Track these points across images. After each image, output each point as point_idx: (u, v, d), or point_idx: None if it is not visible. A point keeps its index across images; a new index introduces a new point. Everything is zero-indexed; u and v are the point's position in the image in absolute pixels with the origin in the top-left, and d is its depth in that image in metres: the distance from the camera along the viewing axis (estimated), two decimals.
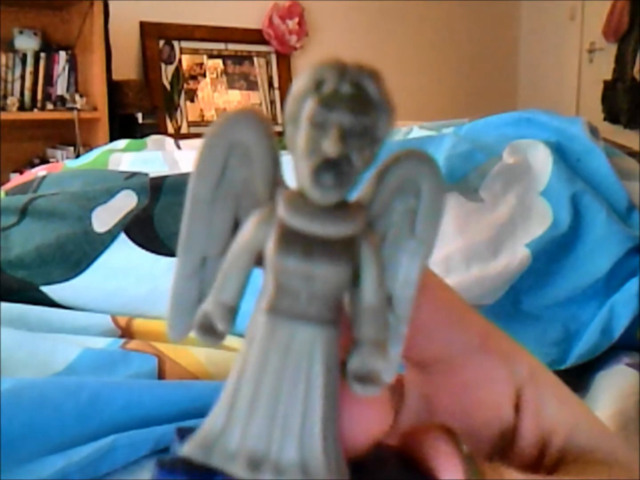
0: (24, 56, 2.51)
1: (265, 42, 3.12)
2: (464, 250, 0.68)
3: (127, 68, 2.81)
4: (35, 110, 2.50)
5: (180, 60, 2.97)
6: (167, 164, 0.95)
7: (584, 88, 3.70)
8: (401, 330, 0.18)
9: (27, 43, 2.52)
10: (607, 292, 0.69)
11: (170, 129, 2.87)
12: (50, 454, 0.43)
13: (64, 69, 2.57)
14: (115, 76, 2.63)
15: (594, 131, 0.84)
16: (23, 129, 2.56)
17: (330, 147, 0.16)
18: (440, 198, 0.18)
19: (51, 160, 2.50)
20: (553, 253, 0.70)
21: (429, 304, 0.20)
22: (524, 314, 0.69)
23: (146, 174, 0.81)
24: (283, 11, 3.12)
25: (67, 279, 0.70)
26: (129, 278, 0.69)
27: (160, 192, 0.75)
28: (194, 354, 0.56)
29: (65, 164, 1.10)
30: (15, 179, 1.06)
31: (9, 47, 2.50)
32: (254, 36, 3.10)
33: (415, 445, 0.19)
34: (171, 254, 0.69)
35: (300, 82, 0.16)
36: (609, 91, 3.45)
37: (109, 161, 0.98)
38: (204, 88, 3.03)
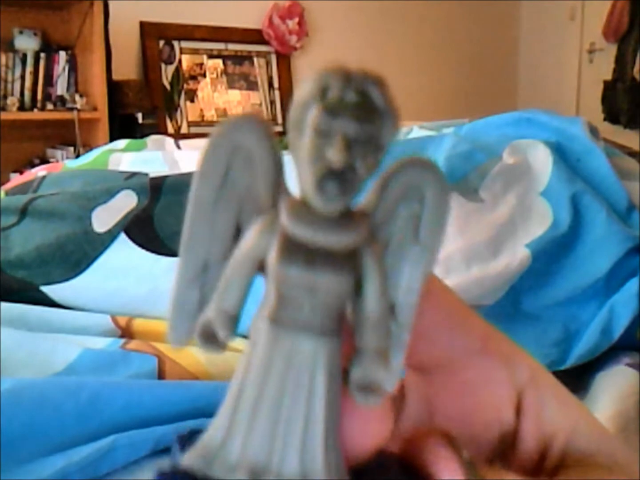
0: (24, 56, 2.51)
1: (265, 42, 3.12)
2: (464, 250, 0.68)
3: (127, 68, 2.81)
4: (35, 110, 2.50)
5: (180, 60, 2.97)
6: (167, 164, 0.95)
7: (584, 88, 3.70)
8: (403, 339, 0.18)
9: (27, 43, 2.52)
10: (607, 292, 0.69)
11: (170, 129, 2.87)
12: (50, 454, 0.43)
13: (64, 69, 2.57)
14: (115, 76, 2.63)
15: (594, 131, 0.84)
16: (23, 129, 2.56)
17: (334, 155, 0.15)
18: (444, 204, 0.18)
19: (51, 160, 2.50)
20: (553, 253, 0.70)
21: (430, 308, 0.20)
22: (524, 314, 0.69)
23: (146, 174, 0.81)
24: (283, 11, 3.12)
25: (67, 279, 0.70)
26: (129, 278, 0.69)
27: (160, 192, 0.75)
28: (194, 354, 0.56)
29: (65, 164, 1.10)
30: (15, 179, 1.06)
31: (9, 47, 2.50)
32: (254, 36, 3.10)
33: (415, 451, 0.19)
34: (171, 254, 0.70)
35: (304, 89, 0.16)
36: (609, 91, 3.45)
37: (109, 161, 0.98)
38: (204, 88, 3.03)
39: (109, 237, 0.71)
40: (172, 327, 0.18)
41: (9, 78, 2.49)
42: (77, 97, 2.52)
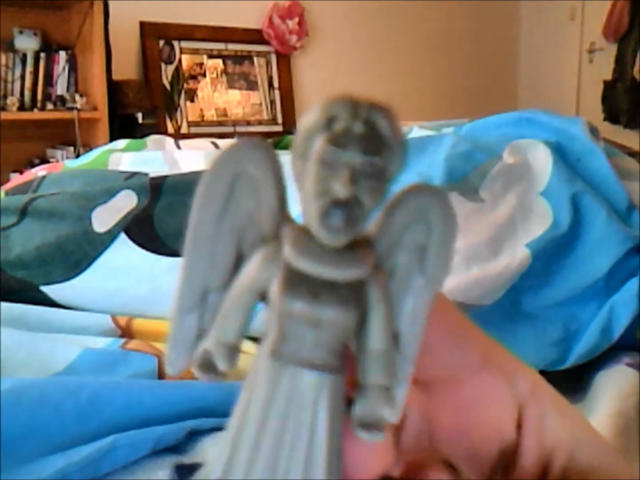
0: (24, 56, 2.51)
1: (265, 42, 3.12)
2: (464, 250, 0.68)
3: (127, 68, 2.81)
4: (35, 110, 2.50)
5: (180, 60, 2.97)
6: (167, 164, 0.95)
7: (584, 88, 3.70)
8: (407, 370, 0.18)
9: (27, 43, 2.51)
10: (607, 292, 0.69)
11: (170, 129, 2.87)
12: (50, 454, 0.43)
13: (64, 69, 2.57)
14: (115, 76, 2.63)
15: (594, 131, 0.84)
16: (23, 129, 2.56)
17: (340, 189, 0.15)
18: (451, 236, 0.17)
19: (51, 160, 2.50)
20: (553, 253, 0.70)
21: (431, 323, 0.20)
22: (524, 314, 0.69)
23: (146, 174, 0.81)
24: (283, 11, 3.12)
25: (67, 279, 0.70)
26: (129, 278, 0.69)
27: (160, 192, 0.75)
28: None
29: (65, 164, 1.10)
30: (15, 179, 1.06)
31: (9, 47, 2.50)
32: (254, 36, 3.10)
33: (417, 477, 0.19)
34: (171, 253, 0.69)
35: (310, 118, 0.16)
36: (609, 91, 3.45)
37: (109, 161, 0.98)
38: (204, 88, 3.03)
39: (109, 237, 0.71)
40: (169, 356, 0.17)
41: (9, 78, 2.49)
42: (77, 97, 2.52)
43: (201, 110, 3.01)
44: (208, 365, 0.17)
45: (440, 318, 0.21)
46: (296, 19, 3.13)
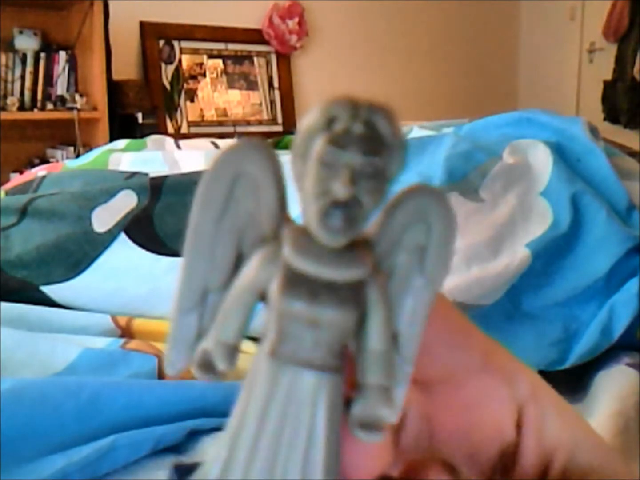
0: (24, 56, 2.51)
1: (265, 42, 3.12)
2: (464, 250, 0.68)
3: (127, 68, 2.81)
4: (35, 110, 2.50)
5: (180, 60, 2.97)
6: (167, 164, 0.95)
7: (584, 88, 3.70)
8: (406, 371, 0.18)
9: (27, 43, 2.51)
10: (607, 292, 0.69)
11: (170, 129, 2.87)
12: (50, 454, 0.43)
13: (64, 69, 2.57)
14: (115, 76, 2.63)
15: (594, 131, 0.84)
16: (23, 129, 2.56)
17: (340, 189, 0.15)
18: (451, 236, 0.17)
19: (51, 160, 2.50)
20: (553, 253, 0.70)
21: (431, 324, 0.20)
22: (524, 314, 0.69)
23: (146, 174, 0.81)
24: (283, 11, 3.12)
25: (67, 279, 0.70)
26: (129, 278, 0.69)
27: (160, 192, 0.75)
28: None
29: (65, 164, 1.10)
30: (15, 179, 1.06)
31: (9, 47, 2.50)
32: (254, 36, 3.10)
33: (416, 478, 0.19)
34: (171, 253, 0.69)
35: (310, 118, 0.16)
36: (609, 91, 3.45)
37: (109, 161, 0.98)
38: (204, 88, 3.03)
39: (109, 237, 0.71)
40: (169, 356, 0.17)
41: (9, 78, 2.49)
42: (77, 97, 2.52)
43: (201, 110, 3.01)
44: (207, 365, 0.17)
45: (440, 318, 0.21)
46: (296, 19, 3.13)
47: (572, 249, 0.71)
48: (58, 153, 2.61)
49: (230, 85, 3.09)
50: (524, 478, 0.21)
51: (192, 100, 2.99)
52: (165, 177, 0.77)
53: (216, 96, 3.05)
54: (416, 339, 0.18)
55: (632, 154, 0.94)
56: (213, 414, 0.48)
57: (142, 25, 2.86)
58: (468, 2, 3.68)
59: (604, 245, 0.70)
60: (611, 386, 0.59)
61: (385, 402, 0.17)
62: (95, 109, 2.54)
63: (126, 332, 0.64)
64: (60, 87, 2.57)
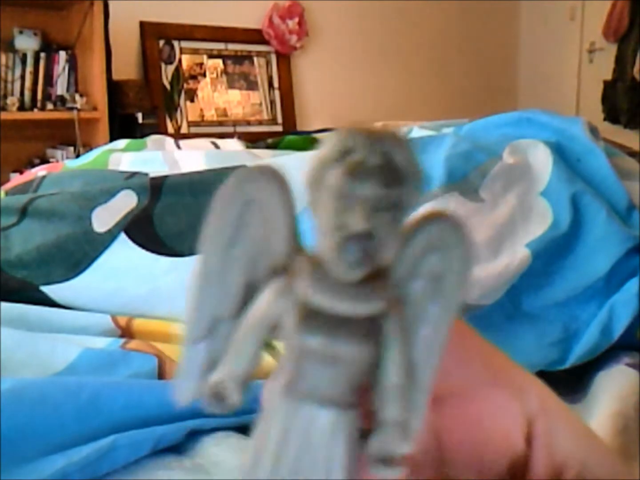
0: (24, 56, 2.51)
1: (265, 42, 3.12)
2: None
3: (127, 68, 2.81)
4: (35, 110, 2.50)
5: (180, 60, 2.97)
6: (167, 164, 0.95)
7: (584, 88, 3.70)
8: (422, 403, 0.17)
9: (27, 43, 2.51)
10: (607, 292, 0.69)
11: (170, 129, 2.87)
12: (50, 454, 0.43)
13: (64, 69, 2.57)
14: (115, 76, 2.63)
15: (594, 131, 0.84)
16: (23, 129, 2.56)
17: (356, 223, 0.15)
18: (468, 264, 0.17)
19: (51, 160, 2.50)
20: (553, 253, 0.70)
21: None
22: (524, 314, 0.69)
23: (146, 174, 0.81)
24: (283, 11, 3.12)
25: (67, 279, 0.70)
26: (129, 278, 0.69)
27: (161, 192, 0.75)
28: None
29: (65, 164, 1.10)
30: (15, 179, 1.06)
31: (9, 47, 2.50)
32: (254, 36, 3.10)
33: None
34: (171, 254, 0.69)
35: (326, 148, 0.15)
36: (609, 91, 3.45)
37: (109, 161, 0.98)
38: (204, 88, 3.03)
39: (109, 237, 0.71)
40: (180, 384, 0.17)
41: (9, 78, 2.49)
42: (77, 97, 2.52)
43: (201, 110, 3.01)
44: (219, 397, 0.17)
45: (450, 332, 0.20)
46: (296, 19, 3.13)
47: (572, 249, 0.71)
48: (58, 153, 2.61)
49: (230, 85, 3.09)
50: None
51: (192, 100, 2.99)
52: (166, 177, 0.77)
53: (216, 96, 3.05)
54: (433, 370, 0.17)
55: (632, 154, 0.94)
56: (213, 414, 0.48)
57: (142, 25, 2.86)
58: (468, 2, 3.68)
59: (604, 245, 0.70)
60: (611, 386, 0.59)
61: (402, 438, 0.17)
62: (95, 109, 2.54)
63: (126, 332, 0.64)
64: (60, 87, 2.57)
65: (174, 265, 0.68)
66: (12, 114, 2.44)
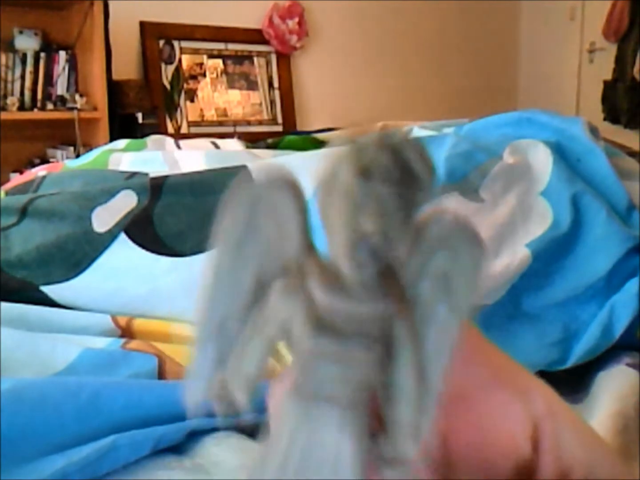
0: (24, 56, 2.51)
1: (265, 42, 3.12)
2: None
3: (127, 68, 2.81)
4: (35, 110, 2.50)
5: (180, 60, 2.97)
6: (167, 164, 0.95)
7: (584, 88, 3.70)
8: (431, 405, 0.17)
9: (27, 43, 2.51)
10: (607, 292, 0.69)
11: (170, 129, 2.87)
12: (50, 454, 0.43)
13: (64, 69, 2.57)
14: (115, 76, 2.63)
15: (594, 131, 0.84)
16: (23, 129, 2.56)
17: (368, 224, 0.15)
18: (478, 263, 0.16)
19: (51, 160, 2.50)
20: (553, 253, 0.70)
21: None
22: (524, 314, 0.69)
23: (146, 174, 0.81)
24: (283, 11, 3.12)
25: (67, 279, 0.70)
26: (129, 278, 0.69)
27: (161, 192, 0.75)
28: None
29: (65, 164, 1.10)
30: (15, 179, 1.06)
31: (9, 47, 2.50)
32: (254, 36, 3.10)
33: None
34: (171, 254, 0.69)
35: (339, 150, 0.15)
36: (609, 91, 3.45)
37: (109, 161, 0.98)
38: (204, 88, 3.03)
39: (109, 237, 0.71)
40: (190, 384, 0.17)
41: (9, 78, 2.49)
42: (77, 97, 2.52)
43: (201, 110, 3.01)
44: (226, 397, 0.17)
45: None
46: (296, 19, 3.13)
47: (572, 249, 0.71)
48: (58, 153, 2.61)
49: (230, 85, 3.09)
50: None
51: (192, 100, 2.99)
52: (166, 177, 0.77)
53: (216, 96, 3.05)
54: (442, 372, 0.17)
55: (632, 154, 0.94)
56: (213, 414, 0.48)
57: (142, 25, 2.86)
58: (468, 2, 3.68)
59: (604, 245, 0.70)
60: (611, 386, 0.59)
61: (412, 439, 0.16)
62: (95, 109, 2.54)
63: (126, 332, 0.64)
64: (61, 87, 2.57)
65: (174, 265, 0.68)
66: (12, 114, 2.44)
